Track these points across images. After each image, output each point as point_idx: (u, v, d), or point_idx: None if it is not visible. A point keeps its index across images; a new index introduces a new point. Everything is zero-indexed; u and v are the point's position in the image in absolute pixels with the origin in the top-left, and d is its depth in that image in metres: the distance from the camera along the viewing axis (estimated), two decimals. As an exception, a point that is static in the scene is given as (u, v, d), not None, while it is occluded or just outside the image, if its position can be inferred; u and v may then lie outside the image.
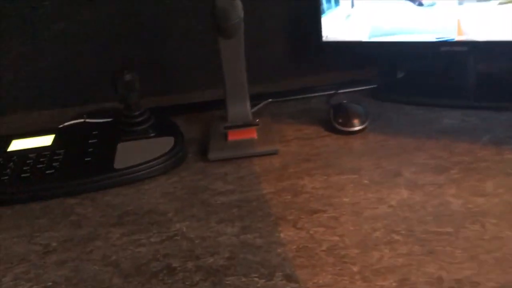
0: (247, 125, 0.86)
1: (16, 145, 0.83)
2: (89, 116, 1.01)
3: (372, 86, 1.03)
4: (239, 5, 0.75)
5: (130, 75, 0.79)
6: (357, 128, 0.83)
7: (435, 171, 0.69)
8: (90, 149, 0.79)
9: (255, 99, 0.94)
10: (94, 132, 0.84)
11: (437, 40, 0.92)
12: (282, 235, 0.58)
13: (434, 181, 0.66)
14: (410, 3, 0.93)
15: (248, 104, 0.88)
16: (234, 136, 0.82)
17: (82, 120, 1.00)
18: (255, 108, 0.96)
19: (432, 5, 0.91)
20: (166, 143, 0.80)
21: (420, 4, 0.92)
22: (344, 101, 0.89)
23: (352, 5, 0.98)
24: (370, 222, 0.59)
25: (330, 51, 1.08)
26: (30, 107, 1.08)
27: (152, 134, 0.82)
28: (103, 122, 0.93)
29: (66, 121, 0.98)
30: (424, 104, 0.92)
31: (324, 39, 1.01)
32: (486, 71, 0.96)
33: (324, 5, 0.99)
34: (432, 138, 0.79)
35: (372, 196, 0.64)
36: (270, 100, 1.02)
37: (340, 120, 0.84)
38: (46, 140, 0.83)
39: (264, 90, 1.04)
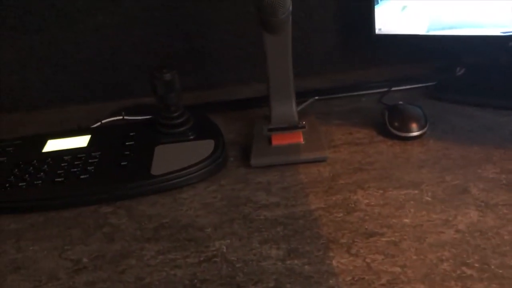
0: (292, 127, 0.79)
1: (52, 145, 0.79)
2: (127, 112, 0.98)
3: (428, 84, 0.94)
4: (287, -3, 0.68)
5: (170, 75, 0.73)
6: (415, 134, 0.75)
7: (508, 188, 0.61)
8: (126, 152, 0.75)
9: (300, 96, 0.88)
10: (131, 133, 0.80)
11: (505, 34, 0.83)
12: (334, 262, 0.52)
13: (508, 201, 0.58)
14: (476, -7, 0.84)
15: (294, 104, 0.81)
16: (278, 140, 0.76)
17: (120, 117, 0.97)
18: (301, 107, 0.90)
19: (501, -5, 0.82)
20: (205, 147, 0.74)
21: (488, -7, 0.83)
22: (400, 103, 0.81)
23: (409, -4, 0.89)
24: (436, 250, 0.52)
25: (383, 44, 1.00)
26: (67, 101, 1.06)
27: (191, 137, 0.77)
28: (141, 121, 0.88)
29: (104, 116, 0.96)
30: (489, 106, 0.83)
31: (377, 31, 0.94)
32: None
33: (378, -5, 0.91)
34: (501, 147, 0.70)
35: (436, 218, 0.57)
36: (316, 97, 0.96)
37: (396, 124, 0.76)
38: (82, 141, 0.79)
39: (310, 85, 0.97)
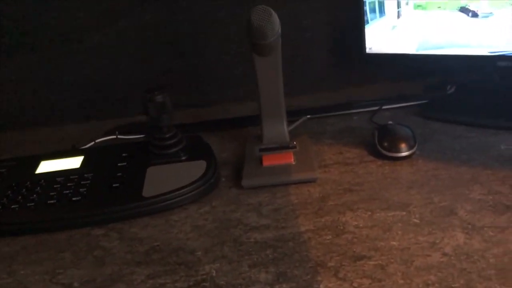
0: (283, 147, 0.80)
1: (45, 167, 0.80)
2: (122, 131, 0.98)
3: (418, 102, 0.96)
4: (276, 21, 0.69)
5: (161, 96, 0.74)
6: (404, 154, 0.76)
7: (495, 210, 0.61)
8: (118, 174, 0.76)
9: (292, 114, 0.89)
10: (124, 154, 0.81)
11: (493, 54, 0.84)
12: (322, 286, 0.52)
13: (494, 223, 0.59)
14: (463, 14, 0.85)
15: (285, 124, 0.82)
16: (269, 161, 0.76)
17: (114, 136, 0.97)
18: (292, 126, 0.91)
19: (488, 16, 0.83)
20: (197, 167, 0.75)
21: (475, 15, 0.84)
22: (390, 123, 0.82)
23: (399, 16, 0.91)
24: (422, 274, 0.52)
25: (374, 63, 1.02)
26: (63, 119, 1.06)
27: (183, 158, 0.78)
28: (133, 142, 0.89)
29: (99, 135, 0.96)
30: (478, 125, 0.84)
31: (367, 50, 0.95)
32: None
33: (368, 15, 0.93)
34: (489, 168, 0.71)
35: (423, 240, 0.57)
36: (308, 116, 0.97)
37: (386, 144, 0.77)
38: (75, 162, 0.80)
39: (302, 104, 0.98)
